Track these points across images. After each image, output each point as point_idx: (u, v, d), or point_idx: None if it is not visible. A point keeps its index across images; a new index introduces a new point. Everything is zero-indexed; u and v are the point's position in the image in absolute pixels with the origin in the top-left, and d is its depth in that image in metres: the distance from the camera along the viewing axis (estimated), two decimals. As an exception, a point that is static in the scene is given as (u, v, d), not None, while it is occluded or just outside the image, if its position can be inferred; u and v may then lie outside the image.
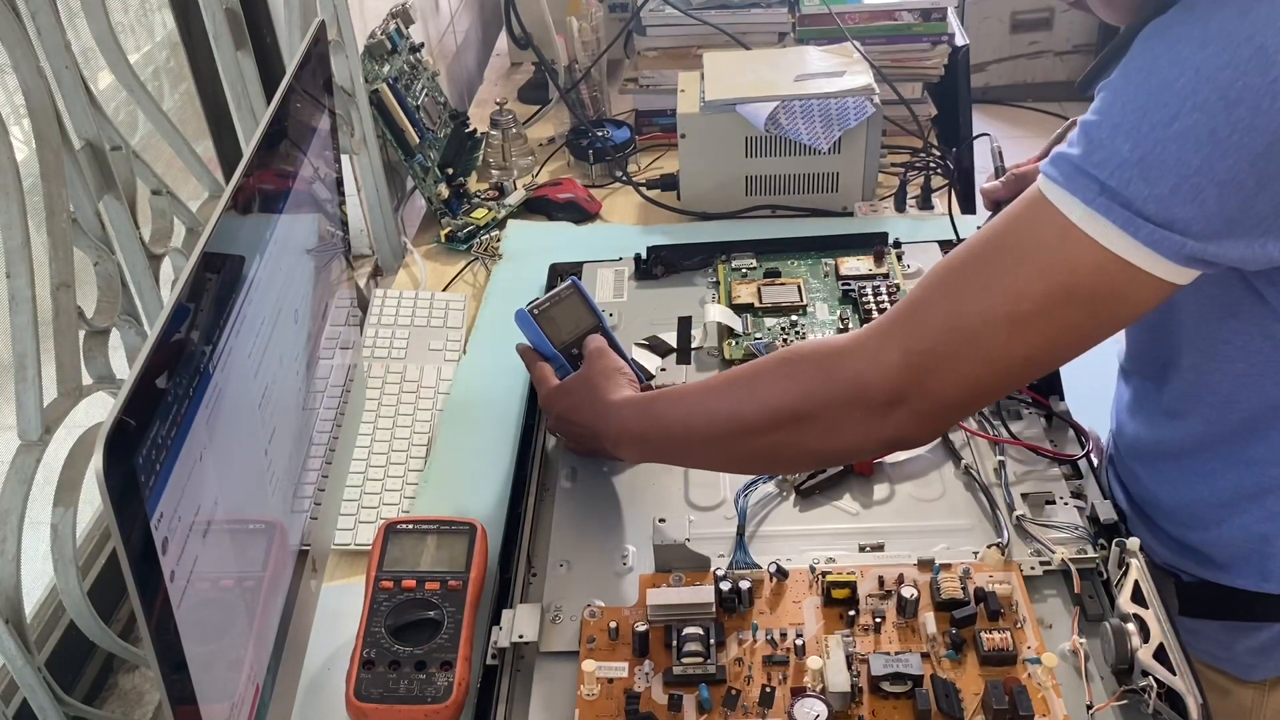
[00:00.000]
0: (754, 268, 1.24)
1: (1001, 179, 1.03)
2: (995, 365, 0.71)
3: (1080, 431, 0.97)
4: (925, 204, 1.46)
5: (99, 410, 0.81)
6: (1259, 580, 0.84)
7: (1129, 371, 0.93)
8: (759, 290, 1.19)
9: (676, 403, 0.88)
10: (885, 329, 0.74)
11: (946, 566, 0.83)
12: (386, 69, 1.47)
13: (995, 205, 1.01)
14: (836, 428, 0.76)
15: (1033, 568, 0.84)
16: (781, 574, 0.84)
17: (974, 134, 1.74)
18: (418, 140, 1.49)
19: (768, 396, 0.79)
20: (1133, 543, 0.79)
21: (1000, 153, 1.17)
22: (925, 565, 0.84)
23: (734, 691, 0.76)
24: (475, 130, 1.67)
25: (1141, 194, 0.63)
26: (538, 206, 1.55)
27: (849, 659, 0.77)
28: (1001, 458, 0.94)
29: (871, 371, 0.73)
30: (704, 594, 0.81)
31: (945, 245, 1.25)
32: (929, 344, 0.71)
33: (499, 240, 1.47)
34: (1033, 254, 0.67)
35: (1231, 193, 0.61)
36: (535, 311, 1.04)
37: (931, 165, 1.49)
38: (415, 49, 1.59)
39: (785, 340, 1.12)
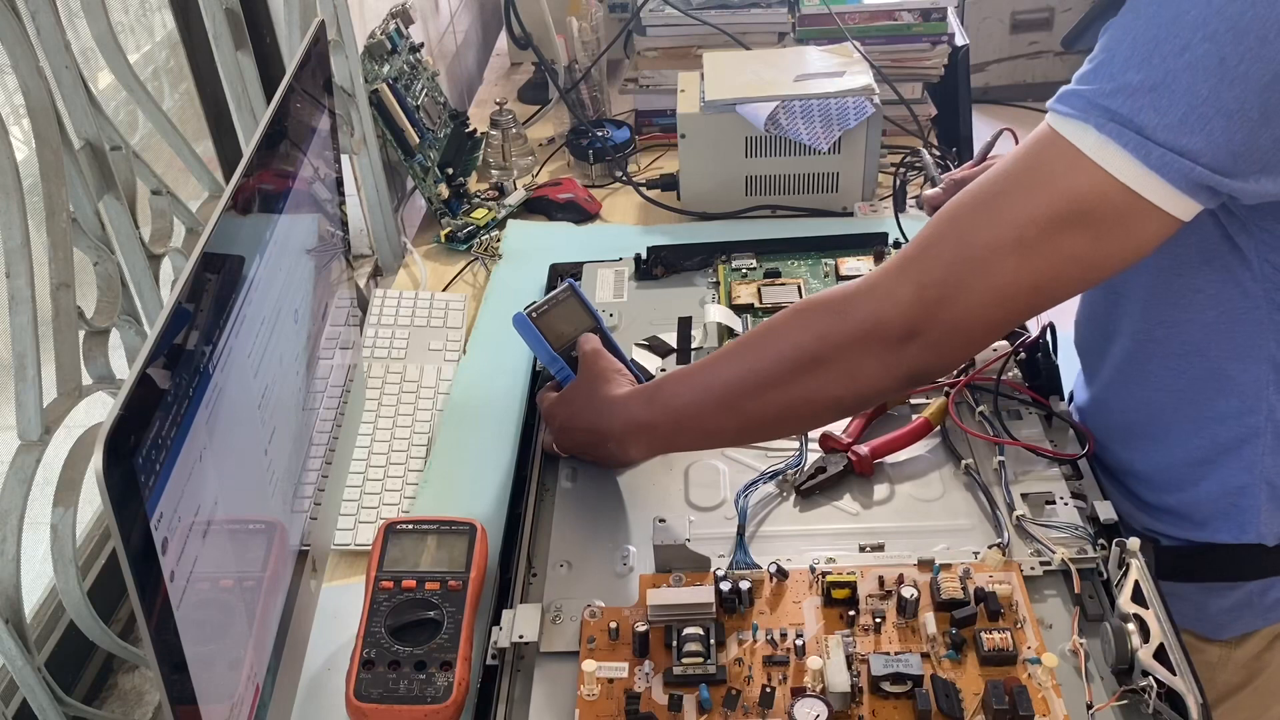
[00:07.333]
0: (754, 268, 1.24)
1: (940, 185, 1.08)
2: (1004, 294, 0.72)
3: (1080, 431, 0.97)
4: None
5: (99, 410, 0.81)
6: (1238, 532, 0.85)
7: (1083, 346, 0.95)
8: (759, 290, 1.19)
9: (685, 380, 0.88)
10: (897, 265, 0.76)
11: (946, 566, 0.83)
12: (386, 69, 1.47)
13: (934, 210, 1.05)
14: (855, 368, 0.78)
15: (1033, 568, 0.84)
16: (781, 574, 0.84)
17: (970, 135, 1.74)
18: (418, 140, 1.49)
19: (783, 347, 0.81)
20: (1133, 543, 0.79)
21: (935, 163, 1.22)
22: (925, 565, 0.84)
23: (734, 692, 0.76)
24: (475, 130, 1.67)
25: (1152, 122, 0.64)
26: (538, 206, 1.56)
27: (849, 659, 0.77)
28: (1001, 458, 0.94)
29: (885, 308, 0.75)
30: (704, 594, 0.81)
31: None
32: (940, 275, 0.73)
33: (499, 240, 1.47)
34: (1042, 183, 0.69)
35: (1238, 124, 0.63)
36: (533, 315, 1.03)
37: (932, 165, 1.49)
38: (415, 49, 1.59)
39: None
